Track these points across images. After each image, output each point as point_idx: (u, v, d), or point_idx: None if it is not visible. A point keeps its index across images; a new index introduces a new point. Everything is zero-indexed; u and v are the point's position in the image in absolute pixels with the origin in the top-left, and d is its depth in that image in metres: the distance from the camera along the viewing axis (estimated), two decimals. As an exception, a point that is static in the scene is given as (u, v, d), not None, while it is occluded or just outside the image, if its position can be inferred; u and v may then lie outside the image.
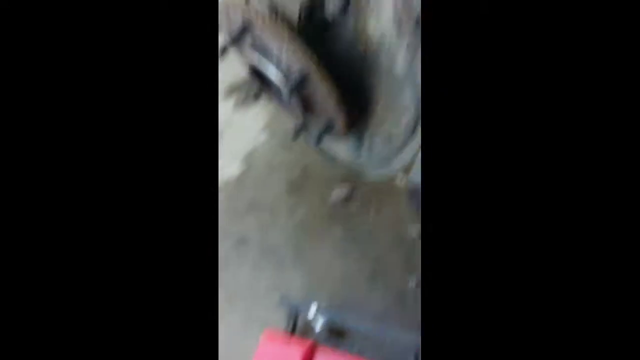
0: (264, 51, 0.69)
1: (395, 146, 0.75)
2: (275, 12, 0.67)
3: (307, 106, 0.73)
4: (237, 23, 0.68)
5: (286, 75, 0.68)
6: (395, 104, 0.68)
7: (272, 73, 0.68)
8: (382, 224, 1.61)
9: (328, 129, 0.73)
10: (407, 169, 1.69)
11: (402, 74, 0.62)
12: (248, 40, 0.70)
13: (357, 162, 0.91)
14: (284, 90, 0.64)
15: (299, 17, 0.65)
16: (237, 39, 0.65)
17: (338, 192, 1.81)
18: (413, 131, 0.69)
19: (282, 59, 0.66)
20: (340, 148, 0.92)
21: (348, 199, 1.76)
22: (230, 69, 1.31)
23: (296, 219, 1.81)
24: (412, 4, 0.55)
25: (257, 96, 0.87)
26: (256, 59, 0.68)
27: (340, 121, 0.69)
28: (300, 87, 0.65)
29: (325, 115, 0.73)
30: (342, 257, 1.58)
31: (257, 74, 0.79)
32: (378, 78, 0.66)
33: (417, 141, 0.70)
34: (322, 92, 0.65)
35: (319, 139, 0.75)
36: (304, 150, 2.10)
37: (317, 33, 0.68)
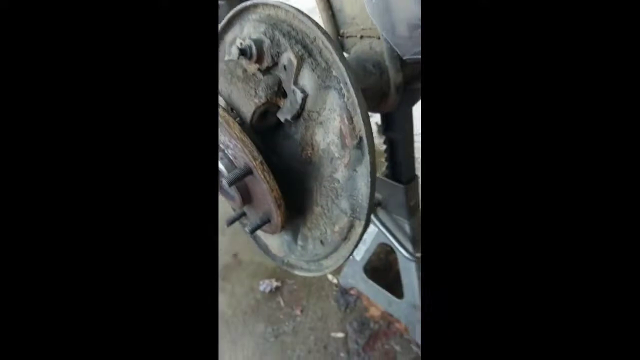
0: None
1: (328, 250, 0.76)
2: (231, 109, 0.71)
3: (246, 198, 0.73)
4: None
5: (229, 166, 0.68)
6: (331, 210, 0.71)
7: (218, 162, 0.68)
8: (307, 324, 1.53)
9: (264, 223, 0.73)
10: (338, 271, 1.69)
11: (342, 184, 0.67)
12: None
13: (288, 257, 0.90)
14: (226, 179, 0.64)
15: (252, 118, 0.68)
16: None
17: (266, 284, 1.72)
18: (345, 238, 0.71)
19: (229, 151, 0.67)
20: (275, 241, 0.92)
21: (275, 292, 1.68)
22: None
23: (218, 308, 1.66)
24: (356, 127, 0.61)
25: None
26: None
27: (276, 218, 0.70)
28: (241, 180, 0.66)
29: (262, 210, 0.73)
30: (262, 357, 1.44)
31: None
32: (319, 183, 0.70)
33: (348, 248, 0.73)
34: (263, 188, 0.66)
35: (253, 230, 0.74)
36: (237, 237, 2.04)
37: (266, 131, 0.72)
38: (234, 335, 1.56)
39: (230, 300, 1.69)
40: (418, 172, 1.25)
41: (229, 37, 0.76)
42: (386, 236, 1.33)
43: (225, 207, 2.05)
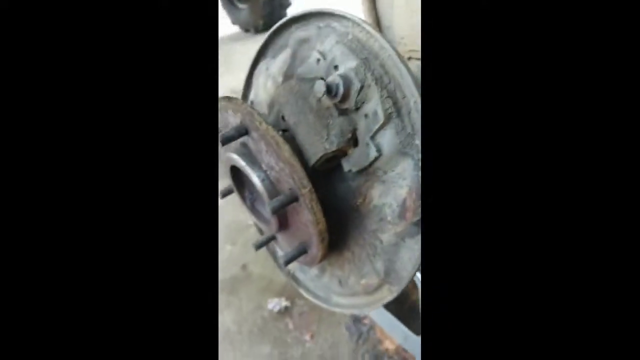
0: (253, 158, 0.64)
1: (343, 291, 0.74)
2: (282, 130, 0.65)
3: (283, 224, 0.67)
4: (232, 122, 0.64)
5: (270, 190, 0.62)
6: (363, 263, 0.68)
7: (258, 183, 0.62)
8: (317, 351, 1.45)
9: (300, 254, 0.66)
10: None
11: (384, 246, 0.63)
12: (238, 141, 0.65)
13: (297, 272, 0.87)
14: (270, 205, 0.58)
15: (316, 162, 0.64)
16: (229, 139, 0.60)
17: (275, 303, 1.65)
18: (368, 293, 0.69)
19: (272, 173, 0.62)
20: (307, 277, 0.87)
21: (285, 312, 1.60)
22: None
23: (220, 325, 1.59)
24: (420, 204, 0.57)
25: (224, 195, 0.80)
26: (243, 163, 0.63)
27: (316, 252, 0.63)
28: (285, 205, 0.60)
29: (298, 239, 0.67)
30: (264, 383, 1.36)
31: (236, 176, 0.73)
32: (358, 233, 0.66)
33: (366, 303, 0.71)
34: (306, 219, 0.59)
35: (288, 262, 0.67)
36: (247, 248, 1.98)
37: (325, 172, 0.66)
38: (238, 354, 1.48)
39: (236, 317, 1.61)
40: None
41: (300, 32, 0.69)
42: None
43: (235, 215, 1.99)
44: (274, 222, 0.66)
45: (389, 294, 0.64)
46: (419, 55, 0.91)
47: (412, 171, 0.57)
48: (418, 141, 0.56)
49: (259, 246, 0.76)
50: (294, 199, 0.58)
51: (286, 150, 0.57)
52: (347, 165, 0.63)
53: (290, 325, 1.55)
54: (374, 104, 0.57)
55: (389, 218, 0.61)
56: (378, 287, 0.67)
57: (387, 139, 0.58)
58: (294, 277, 0.88)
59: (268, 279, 1.76)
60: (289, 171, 0.56)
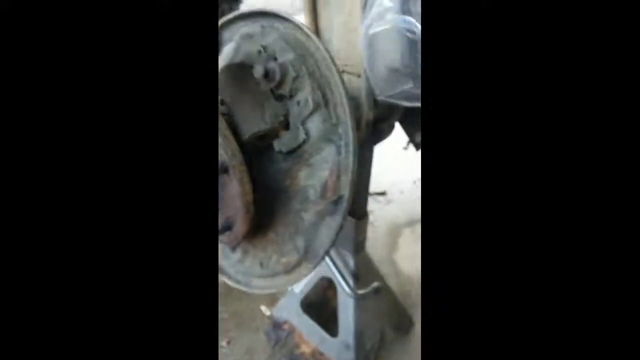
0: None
1: (264, 273, 0.77)
2: (228, 114, 0.70)
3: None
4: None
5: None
6: (285, 242, 0.72)
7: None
8: (232, 357, 1.42)
9: (224, 230, 0.69)
10: (273, 302, 1.62)
11: (306, 225, 0.69)
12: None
13: (220, 260, 0.88)
14: None
15: (250, 137, 0.69)
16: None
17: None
18: (288, 272, 0.73)
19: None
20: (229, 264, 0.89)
21: (202, 319, 1.55)
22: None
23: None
24: (341, 186, 0.65)
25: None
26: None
27: (240, 226, 0.67)
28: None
29: (225, 215, 0.70)
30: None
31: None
32: (283, 213, 0.72)
33: (286, 281, 0.75)
34: (234, 191, 0.63)
35: None
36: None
37: (258, 154, 0.72)
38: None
39: (148, 323, 1.52)
40: (368, 208, 1.29)
41: (245, 28, 0.75)
42: (329, 269, 1.33)
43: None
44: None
45: (306, 270, 0.69)
46: (351, 69, 1.02)
47: (334, 156, 0.65)
48: (341, 130, 0.65)
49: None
50: (224, 170, 0.61)
51: (222, 122, 0.61)
52: (278, 145, 0.69)
53: (207, 332, 1.51)
54: (306, 94, 0.65)
55: (312, 198, 0.67)
56: (297, 265, 0.72)
57: (315, 125, 0.67)
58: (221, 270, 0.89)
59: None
60: (222, 141, 0.60)
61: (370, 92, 0.92)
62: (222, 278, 0.86)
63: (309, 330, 1.45)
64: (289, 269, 0.73)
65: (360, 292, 1.29)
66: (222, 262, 0.87)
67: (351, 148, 0.64)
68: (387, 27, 0.70)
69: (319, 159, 0.67)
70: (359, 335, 1.33)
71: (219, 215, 0.71)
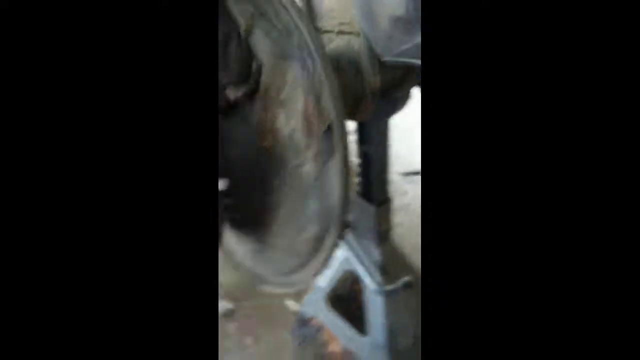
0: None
1: (296, 262, 0.66)
2: None
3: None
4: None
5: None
6: (298, 215, 0.60)
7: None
8: (257, 357, 1.36)
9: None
10: (299, 294, 1.54)
11: (311, 182, 0.56)
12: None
13: (254, 268, 0.79)
14: None
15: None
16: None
17: (219, 306, 1.55)
18: (316, 249, 0.61)
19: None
20: (240, 248, 0.79)
21: (228, 316, 1.50)
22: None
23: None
24: (325, 109, 0.49)
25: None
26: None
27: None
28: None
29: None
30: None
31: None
32: (282, 181, 0.59)
33: (319, 261, 0.62)
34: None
35: None
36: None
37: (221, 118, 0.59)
38: (172, 362, 1.37)
39: (174, 321, 1.51)
40: (402, 189, 1.14)
41: None
42: (353, 262, 1.20)
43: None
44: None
45: (333, 239, 0.57)
46: (348, 28, 0.86)
47: (301, 74, 0.51)
48: (296, 38, 0.50)
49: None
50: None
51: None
52: (234, 91, 0.55)
53: (232, 329, 1.45)
54: (233, 13, 0.52)
55: (302, 145, 0.54)
56: (322, 236, 0.58)
57: (261, 44, 0.53)
58: (256, 276, 0.79)
59: (213, 280, 1.66)
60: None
61: (373, 53, 0.76)
62: (265, 288, 0.78)
63: (336, 328, 1.34)
64: (315, 246, 0.60)
65: (389, 287, 1.15)
66: (258, 268, 0.76)
67: (317, 56, 0.49)
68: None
69: (288, 90, 0.53)
70: (391, 335, 1.20)
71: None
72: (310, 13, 0.91)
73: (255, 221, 0.66)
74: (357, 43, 0.81)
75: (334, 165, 0.52)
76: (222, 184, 0.59)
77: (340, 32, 0.88)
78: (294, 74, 0.51)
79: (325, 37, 0.91)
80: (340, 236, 0.57)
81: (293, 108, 0.53)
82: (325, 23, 0.90)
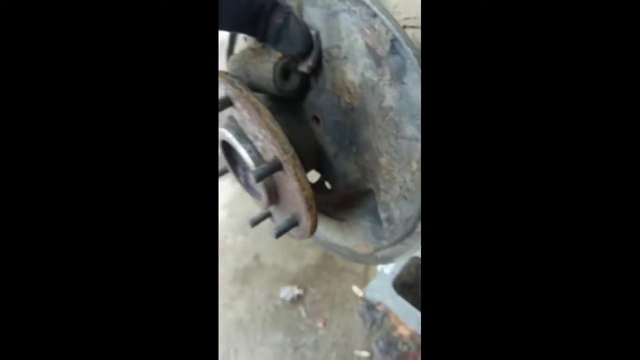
0: (240, 130, 0.63)
1: (417, 200, 0.61)
2: (253, 89, 0.64)
3: (273, 197, 0.65)
4: (220, 95, 0.63)
5: (258, 160, 0.61)
6: (399, 148, 0.58)
7: (245, 155, 0.61)
8: (330, 338, 1.43)
9: (291, 226, 0.65)
10: (364, 283, 1.58)
11: (396, 108, 0.55)
12: (226, 115, 0.64)
13: (380, 249, 0.74)
14: (253, 174, 0.56)
15: (274, 80, 0.60)
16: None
17: (288, 291, 1.64)
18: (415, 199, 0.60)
19: (258, 143, 0.60)
20: (358, 238, 0.78)
21: (297, 301, 1.59)
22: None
23: (234, 314, 1.59)
24: (382, 31, 0.51)
25: (222, 173, 0.79)
26: (231, 136, 0.62)
27: (305, 221, 0.61)
28: (270, 176, 0.58)
29: (290, 211, 0.65)
30: (278, 370, 1.36)
31: (228, 152, 0.72)
32: (373, 128, 0.58)
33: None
34: (293, 187, 0.57)
35: (279, 234, 0.65)
36: (260, 238, 1.98)
37: (299, 97, 0.64)
38: (251, 343, 1.48)
39: (249, 306, 1.62)
40: None
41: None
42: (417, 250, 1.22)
43: (247, 206, 2.00)
44: (264, 195, 0.64)
45: None
46: (413, 23, 0.88)
47: (349, 19, 0.53)
48: None
49: (254, 223, 0.75)
50: (278, 166, 0.56)
51: (267, 115, 0.55)
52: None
53: (303, 313, 1.54)
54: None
55: (375, 79, 0.54)
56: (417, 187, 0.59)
57: (311, 15, 0.57)
58: (383, 258, 0.76)
59: (280, 268, 1.75)
60: (271, 137, 0.54)
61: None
62: (397, 261, 0.73)
63: (404, 313, 1.38)
64: (411, 196, 0.59)
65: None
66: (383, 249, 0.73)
67: None
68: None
69: (346, 41, 0.54)
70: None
71: (285, 212, 0.67)
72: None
73: (359, 188, 0.66)
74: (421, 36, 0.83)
75: (412, 75, 0.51)
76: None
77: (405, 27, 0.90)
78: (345, 24, 0.54)
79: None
80: None
81: (355, 51, 0.54)
82: (392, 18, 0.92)
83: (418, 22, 0.83)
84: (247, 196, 0.75)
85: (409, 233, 0.67)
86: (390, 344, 1.36)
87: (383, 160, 0.61)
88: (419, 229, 0.65)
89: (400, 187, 0.62)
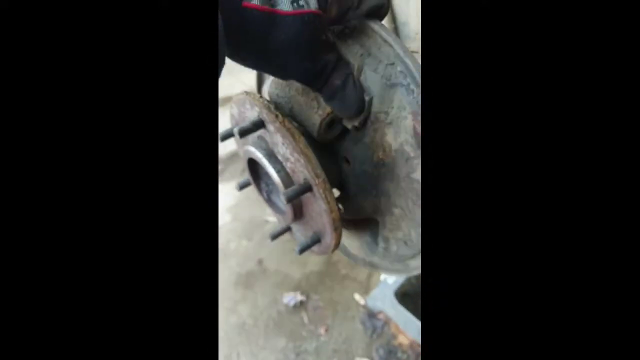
0: (270, 151, 0.66)
1: (414, 250, 0.70)
2: (293, 118, 0.67)
3: (298, 214, 0.69)
4: (250, 117, 0.66)
5: (286, 180, 0.64)
6: (413, 211, 0.65)
7: (274, 174, 0.64)
8: (331, 345, 1.47)
9: (314, 243, 0.68)
10: (366, 292, 1.62)
11: (419, 184, 0.61)
12: (255, 134, 0.68)
13: (370, 258, 0.84)
14: (284, 195, 0.60)
15: (319, 130, 0.64)
16: (246, 132, 0.63)
17: (291, 297, 1.67)
18: None
19: (288, 164, 0.64)
20: (354, 242, 0.86)
21: (300, 307, 1.63)
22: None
23: (237, 318, 1.62)
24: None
25: (242, 187, 0.83)
26: (260, 155, 0.65)
27: (330, 241, 0.65)
28: (299, 196, 0.62)
29: (313, 229, 0.69)
30: (279, 375, 1.39)
31: (253, 168, 0.76)
32: (395, 185, 0.65)
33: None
34: (320, 208, 0.61)
35: (303, 251, 0.69)
36: (263, 243, 2.01)
37: (334, 140, 0.68)
38: (253, 347, 1.51)
39: (252, 310, 1.65)
40: None
41: None
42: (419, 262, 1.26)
43: (252, 211, 2.03)
44: (289, 212, 0.68)
45: None
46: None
47: (406, 97, 0.57)
48: (399, 67, 0.57)
49: (274, 236, 0.79)
50: (308, 188, 0.59)
51: (302, 142, 0.58)
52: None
53: (305, 319, 1.57)
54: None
55: (412, 154, 0.60)
56: None
57: (369, 80, 0.60)
58: (370, 264, 0.85)
59: (283, 274, 1.78)
60: (304, 162, 0.58)
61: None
62: (383, 273, 0.81)
63: (405, 322, 1.42)
64: None
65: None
66: (373, 259, 0.82)
67: (418, 78, 0.54)
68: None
69: (396, 112, 0.59)
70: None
71: (307, 228, 0.71)
72: (397, 35, 0.97)
73: (370, 221, 0.71)
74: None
75: None
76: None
77: (425, 54, 0.95)
78: (400, 97, 0.57)
79: (411, 58, 0.98)
80: None
81: (401, 125, 0.59)
82: (410, 44, 0.96)
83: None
84: (252, 200, 0.79)
85: (399, 260, 0.74)
86: (390, 352, 1.40)
87: (396, 210, 0.67)
88: (408, 263, 0.73)
89: (404, 235, 0.69)
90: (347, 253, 0.90)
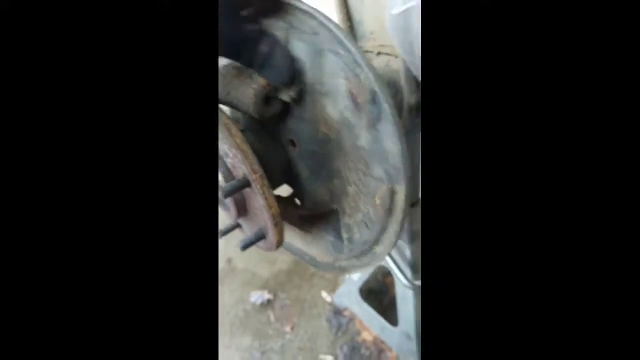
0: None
1: (375, 232, 0.68)
2: (232, 107, 0.67)
3: (241, 210, 0.69)
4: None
5: (227, 176, 0.64)
6: (366, 184, 0.64)
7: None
8: (296, 342, 1.47)
9: (258, 239, 0.68)
10: (332, 289, 1.63)
11: (368, 150, 0.61)
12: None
13: (339, 260, 0.82)
14: (223, 190, 0.60)
15: (255, 105, 0.64)
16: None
17: (258, 296, 1.67)
18: (389, 209, 0.64)
19: (228, 160, 0.64)
20: (318, 249, 0.84)
21: (267, 305, 1.62)
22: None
23: (204, 316, 1.60)
24: (365, 82, 0.56)
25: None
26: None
27: (272, 237, 0.65)
28: (238, 192, 0.62)
29: (258, 225, 0.69)
30: (244, 373, 1.38)
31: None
32: (344, 160, 0.65)
33: (396, 221, 0.65)
34: (259, 203, 0.61)
35: (246, 247, 0.69)
36: (231, 241, 1.99)
37: (277, 122, 0.68)
38: (218, 346, 1.50)
39: (219, 309, 1.63)
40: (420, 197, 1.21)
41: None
42: (386, 258, 1.28)
43: (221, 210, 2.02)
44: (232, 208, 0.68)
45: (401, 192, 0.60)
46: (388, 50, 0.93)
47: (336, 61, 0.57)
48: (323, 35, 0.57)
49: (223, 233, 0.79)
50: (247, 184, 0.60)
51: (237, 136, 0.59)
52: (286, 94, 0.63)
53: (272, 318, 1.57)
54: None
55: (352, 121, 0.59)
56: (391, 195, 0.62)
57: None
58: (340, 268, 0.83)
59: (252, 272, 1.78)
60: (241, 157, 0.58)
61: (410, 74, 0.83)
62: (354, 272, 0.79)
63: (369, 319, 1.44)
64: (388, 206, 0.63)
65: (418, 282, 1.23)
66: (341, 261, 0.80)
67: (344, 40, 0.54)
68: (415, 2, 0.61)
69: (329, 79, 0.59)
70: (420, 326, 1.28)
71: (253, 225, 0.71)
72: (352, 34, 0.98)
73: (331, 213, 0.70)
74: (395, 64, 0.89)
75: (386, 126, 0.56)
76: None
77: (380, 53, 0.95)
78: (331, 65, 0.58)
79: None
80: (409, 189, 0.59)
81: (338, 93, 0.59)
82: (365, 44, 0.97)
83: (391, 50, 0.89)
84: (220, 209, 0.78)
85: (365, 253, 0.74)
86: (354, 348, 1.41)
87: (350, 189, 0.67)
88: (374, 250, 0.72)
89: (364, 216, 0.69)
90: (315, 264, 0.89)
